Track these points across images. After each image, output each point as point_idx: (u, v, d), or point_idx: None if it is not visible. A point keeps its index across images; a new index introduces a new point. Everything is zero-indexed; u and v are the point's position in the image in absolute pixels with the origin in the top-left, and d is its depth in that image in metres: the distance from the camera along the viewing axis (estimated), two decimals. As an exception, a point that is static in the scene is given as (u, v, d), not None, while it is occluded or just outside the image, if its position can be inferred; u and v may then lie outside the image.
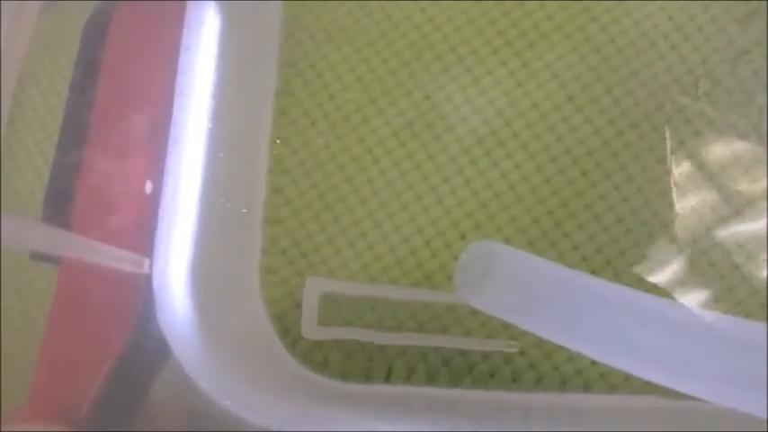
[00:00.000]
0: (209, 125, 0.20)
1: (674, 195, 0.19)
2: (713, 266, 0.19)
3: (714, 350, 0.15)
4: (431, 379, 0.19)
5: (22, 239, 0.18)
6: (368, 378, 0.19)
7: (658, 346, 0.15)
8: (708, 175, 0.19)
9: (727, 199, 0.19)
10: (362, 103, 0.21)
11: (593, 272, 0.19)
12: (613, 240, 0.19)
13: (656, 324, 0.15)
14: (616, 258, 0.19)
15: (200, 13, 0.19)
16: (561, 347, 0.16)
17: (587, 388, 0.19)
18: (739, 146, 0.19)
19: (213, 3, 0.20)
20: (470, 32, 0.21)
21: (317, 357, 0.19)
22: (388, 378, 0.19)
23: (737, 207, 0.19)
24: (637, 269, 0.19)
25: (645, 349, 0.15)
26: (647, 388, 0.17)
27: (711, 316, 0.17)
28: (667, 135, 0.19)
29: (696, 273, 0.18)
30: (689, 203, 0.19)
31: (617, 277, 0.19)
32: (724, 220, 0.19)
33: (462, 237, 0.19)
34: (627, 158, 0.19)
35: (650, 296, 0.15)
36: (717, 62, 0.20)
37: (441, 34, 0.21)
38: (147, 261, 0.18)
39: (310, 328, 0.19)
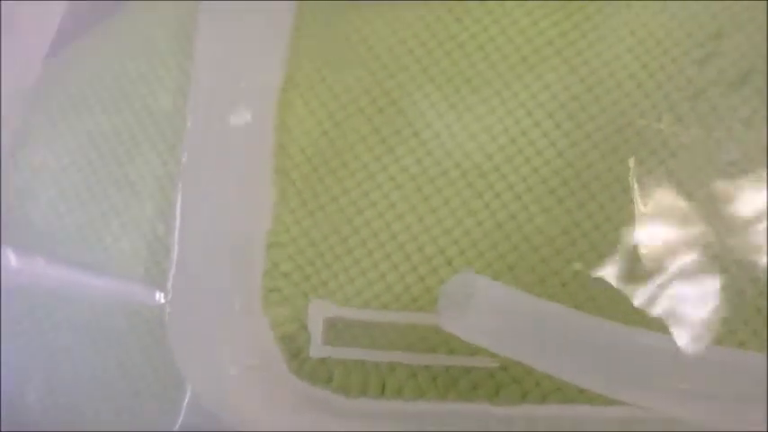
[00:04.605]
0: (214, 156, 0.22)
1: (639, 223, 0.21)
2: (678, 296, 0.20)
3: (688, 373, 0.17)
4: (421, 393, 0.20)
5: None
6: (364, 393, 0.20)
7: (640, 373, 0.17)
8: (672, 201, 0.21)
9: (692, 224, 0.21)
10: (353, 141, 0.22)
11: (571, 295, 0.21)
12: (589, 265, 0.21)
13: (636, 353, 0.17)
14: (591, 283, 0.21)
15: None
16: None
17: (567, 400, 0.20)
18: (699, 173, 0.21)
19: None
20: (453, 73, 0.22)
21: (321, 374, 0.21)
22: (382, 393, 0.20)
23: (702, 234, 0.21)
24: (609, 293, 0.20)
25: (625, 376, 0.17)
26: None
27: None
28: (632, 165, 0.21)
29: (664, 301, 0.20)
30: (654, 230, 0.21)
31: (592, 300, 0.20)
32: (689, 245, 0.21)
33: (449, 263, 0.21)
34: (596, 188, 0.21)
35: (621, 326, 0.17)
36: (678, 99, 0.21)
37: (427, 76, 0.23)
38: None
39: (316, 348, 0.21)
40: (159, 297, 0.22)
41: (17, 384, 0.23)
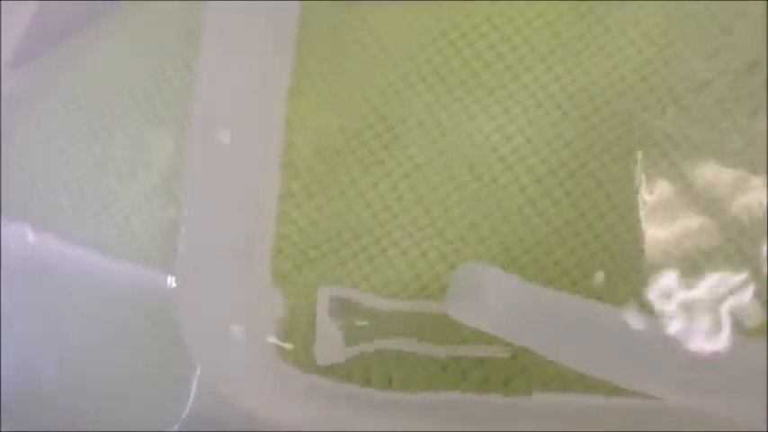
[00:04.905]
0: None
1: (643, 214, 0.21)
2: (682, 286, 0.20)
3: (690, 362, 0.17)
4: (430, 384, 0.20)
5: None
6: (374, 383, 0.21)
7: (646, 360, 0.17)
8: (676, 192, 0.21)
9: (696, 215, 0.21)
10: (360, 129, 0.22)
11: (574, 284, 0.21)
12: (592, 255, 0.21)
13: (642, 340, 0.17)
14: (596, 271, 0.21)
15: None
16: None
17: (566, 388, 0.20)
18: (703, 165, 0.21)
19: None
20: (457, 64, 0.23)
21: (330, 366, 0.21)
22: (389, 384, 0.21)
23: (706, 224, 0.21)
24: (613, 284, 0.20)
25: (633, 363, 0.17)
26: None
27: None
28: (639, 157, 0.21)
29: (668, 292, 0.20)
30: (659, 221, 0.21)
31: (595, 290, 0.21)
32: (693, 235, 0.21)
33: (456, 253, 0.21)
34: (602, 179, 0.21)
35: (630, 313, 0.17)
36: (682, 92, 0.22)
37: (431, 66, 0.23)
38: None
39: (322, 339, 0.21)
40: (167, 286, 0.22)
41: (25, 376, 0.23)
